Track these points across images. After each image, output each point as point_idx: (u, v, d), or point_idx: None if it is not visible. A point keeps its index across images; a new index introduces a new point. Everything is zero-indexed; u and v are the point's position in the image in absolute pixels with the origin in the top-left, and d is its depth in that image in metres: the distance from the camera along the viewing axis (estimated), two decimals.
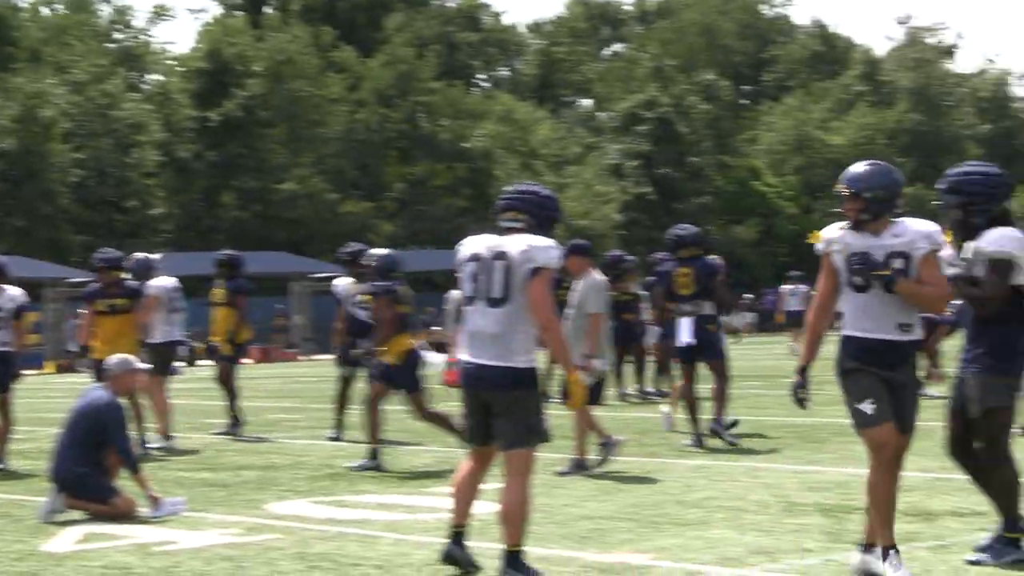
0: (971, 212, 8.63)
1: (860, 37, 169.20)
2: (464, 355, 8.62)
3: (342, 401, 17.94)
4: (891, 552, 8.02)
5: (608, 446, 13.82)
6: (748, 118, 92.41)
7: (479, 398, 8.55)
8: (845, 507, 10.88)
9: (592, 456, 13.78)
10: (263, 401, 18.75)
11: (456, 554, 8.74)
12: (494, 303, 8.48)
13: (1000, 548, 8.54)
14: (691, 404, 15.81)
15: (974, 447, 8.66)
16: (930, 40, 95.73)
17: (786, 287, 40.31)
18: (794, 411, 19.59)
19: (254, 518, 11.38)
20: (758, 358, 38.88)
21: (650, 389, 24.05)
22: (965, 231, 8.65)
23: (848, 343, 8.21)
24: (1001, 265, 8.45)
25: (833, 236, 8.31)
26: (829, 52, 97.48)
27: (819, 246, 8.36)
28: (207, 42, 69.53)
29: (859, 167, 8.34)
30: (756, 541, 9.64)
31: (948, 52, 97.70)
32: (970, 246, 8.59)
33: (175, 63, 74.16)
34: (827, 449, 15.04)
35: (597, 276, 14.40)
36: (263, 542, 10.18)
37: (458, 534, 8.78)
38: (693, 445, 15.59)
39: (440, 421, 14.85)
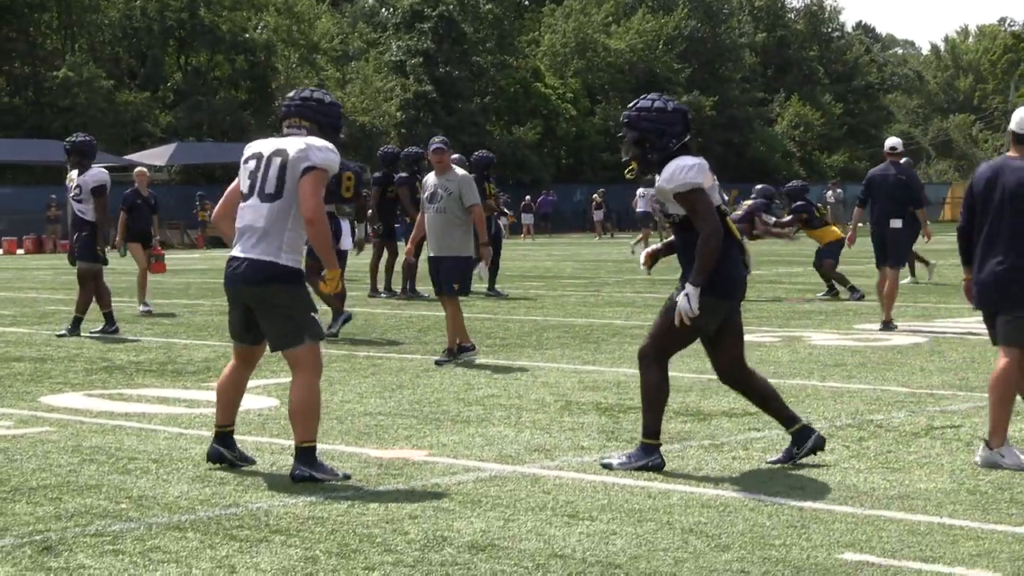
0: (647, 148, 8.78)
1: None
2: (233, 251, 8.58)
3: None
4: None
5: (467, 351, 14.27)
6: (531, 20, 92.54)
7: (239, 294, 8.51)
8: (622, 406, 11.08)
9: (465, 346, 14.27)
10: (37, 292, 18.33)
11: (221, 453, 8.71)
12: (266, 198, 8.45)
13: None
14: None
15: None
16: None
17: (641, 189, 46.24)
18: (572, 312, 19.88)
19: (27, 411, 11.17)
20: (538, 259, 39.25)
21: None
22: (645, 166, 8.84)
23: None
24: (690, 196, 8.58)
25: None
26: None
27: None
28: None
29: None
30: (534, 439, 9.75)
31: None
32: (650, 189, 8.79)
33: None
34: (604, 350, 15.27)
35: (462, 171, 14.63)
36: (36, 435, 9.99)
37: (222, 434, 8.75)
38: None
39: None
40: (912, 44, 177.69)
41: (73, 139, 17.64)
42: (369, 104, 73.73)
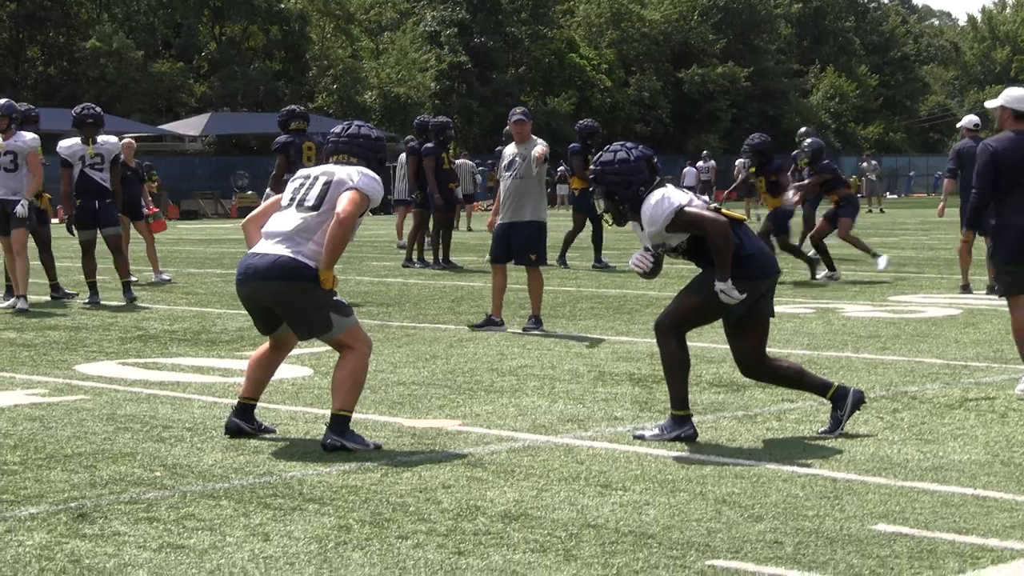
0: (617, 200, 8.80)
1: None
2: (250, 251, 8.59)
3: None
4: None
5: (492, 323, 14.60)
6: None
7: (254, 294, 8.49)
8: (655, 377, 11.06)
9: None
10: (71, 261, 18.41)
11: (239, 427, 8.73)
12: (303, 209, 8.49)
13: None
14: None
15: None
16: None
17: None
18: (605, 283, 19.87)
19: (62, 379, 11.22)
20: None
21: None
22: (620, 217, 8.86)
23: None
24: (680, 220, 8.56)
25: None
26: None
27: None
28: None
29: None
30: (567, 409, 9.76)
31: None
32: (643, 233, 8.81)
33: None
34: (638, 320, 15.26)
35: (541, 140, 14.94)
36: (71, 403, 10.04)
37: (244, 406, 8.78)
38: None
39: None
40: (948, 15, 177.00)
41: (86, 110, 17.62)
42: (405, 75, 73.68)
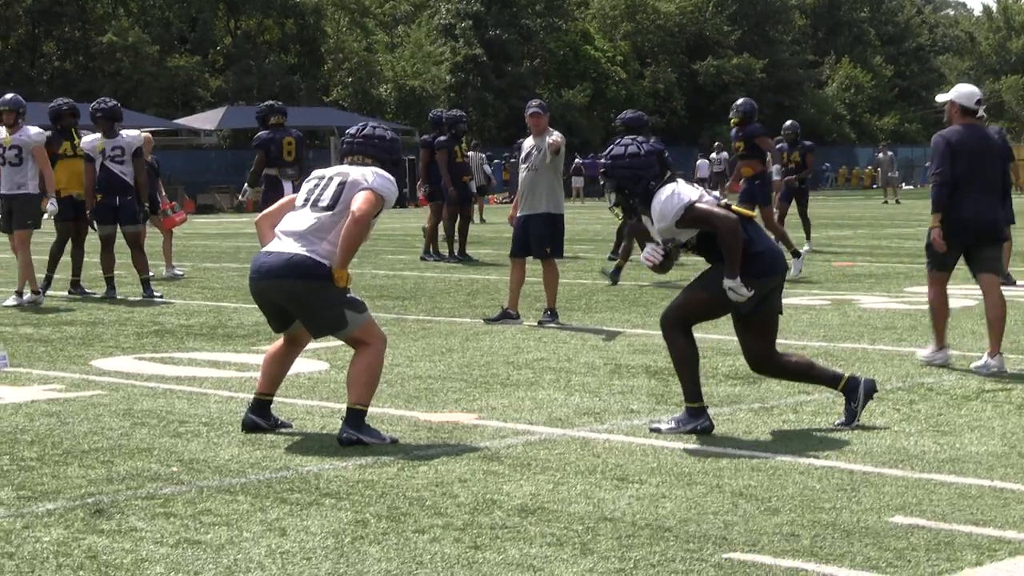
0: (627, 195, 8.83)
1: None
2: (263, 249, 8.60)
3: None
4: None
5: (508, 316, 14.57)
6: None
7: (267, 291, 8.49)
8: (671, 369, 11.03)
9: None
10: (88, 256, 18.44)
11: (255, 423, 8.73)
12: (317, 209, 8.50)
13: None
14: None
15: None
16: None
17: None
18: (622, 275, 19.79)
19: (79, 374, 11.24)
20: (587, 222, 39.20)
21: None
22: (630, 211, 8.91)
23: None
24: (690, 217, 8.57)
25: None
26: None
27: None
28: None
29: None
30: (583, 402, 9.76)
31: None
32: (653, 228, 8.84)
33: None
34: (653, 313, 15.23)
35: (557, 132, 14.90)
36: (88, 398, 10.06)
37: (260, 402, 8.79)
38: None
39: None
40: (964, 5, 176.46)
41: (102, 104, 17.65)
42: (420, 68, 73.67)
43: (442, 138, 23.49)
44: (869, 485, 7.20)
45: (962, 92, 11.48)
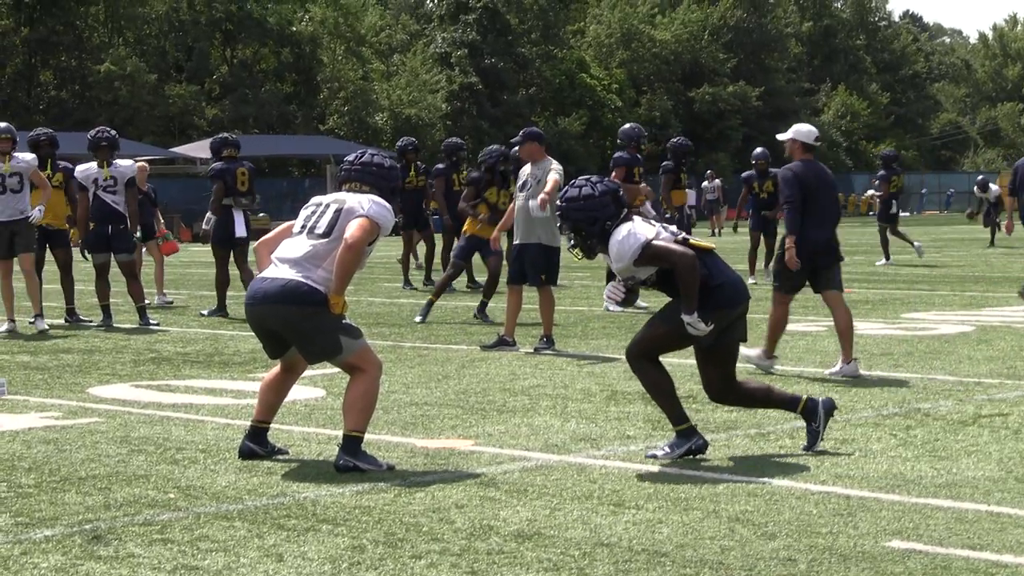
0: (584, 236, 8.83)
1: None
2: (259, 275, 8.62)
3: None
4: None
5: (506, 344, 14.59)
6: (575, 10, 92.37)
7: (263, 317, 8.50)
8: None
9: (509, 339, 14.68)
10: (84, 284, 18.45)
11: (252, 450, 8.74)
12: (313, 236, 8.51)
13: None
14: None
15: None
16: None
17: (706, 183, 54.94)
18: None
19: (76, 402, 11.25)
20: None
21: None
22: (589, 252, 8.89)
23: None
24: (648, 255, 8.58)
25: None
26: None
27: None
28: None
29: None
30: (580, 428, 9.76)
31: None
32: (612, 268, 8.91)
33: None
34: None
35: (554, 161, 14.83)
36: (85, 425, 10.06)
37: (257, 429, 8.79)
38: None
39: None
40: (959, 33, 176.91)
41: (101, 133, 17.74)
42: (416, 96, 73.77)
43: (440, 166, 23.49)
44: (866, 510, 7.21)
45: (802, 131, 12.63)
